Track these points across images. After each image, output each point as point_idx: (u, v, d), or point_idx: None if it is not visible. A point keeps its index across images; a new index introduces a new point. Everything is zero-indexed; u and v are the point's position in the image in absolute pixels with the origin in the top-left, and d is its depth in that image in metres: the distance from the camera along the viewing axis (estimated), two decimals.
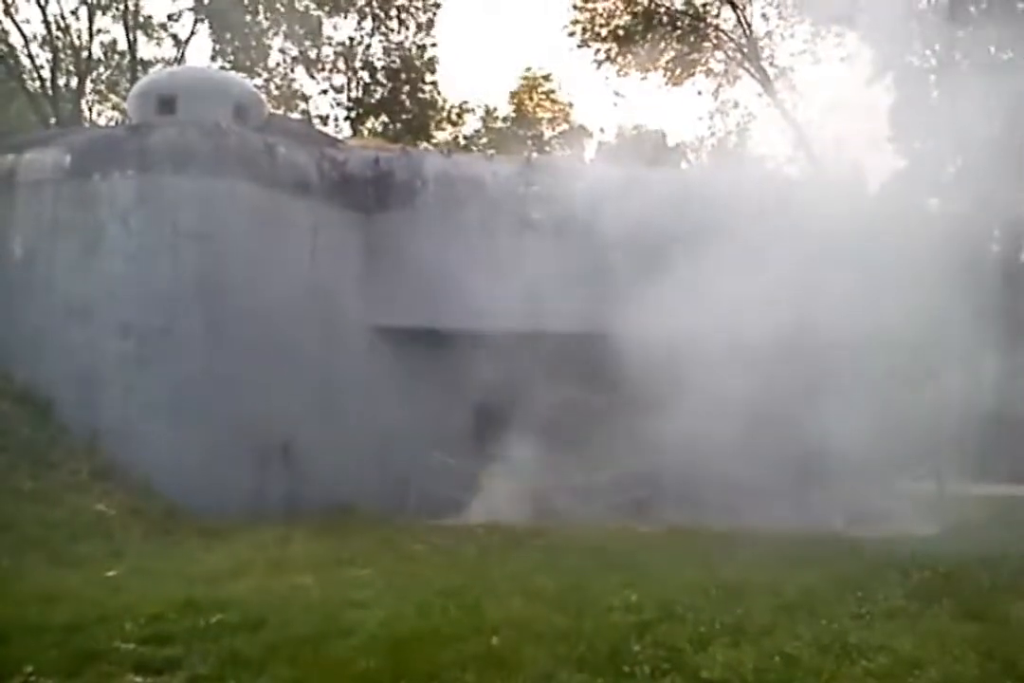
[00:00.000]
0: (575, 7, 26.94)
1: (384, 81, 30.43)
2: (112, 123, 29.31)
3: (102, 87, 31.53)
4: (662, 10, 26.39)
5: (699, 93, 28.18)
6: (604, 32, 26.67)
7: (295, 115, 28.87)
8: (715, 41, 26.69)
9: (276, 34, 30.05)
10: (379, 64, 30.52)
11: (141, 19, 29.15)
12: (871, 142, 19.66)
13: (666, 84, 27.16)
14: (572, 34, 27.00)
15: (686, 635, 5.53)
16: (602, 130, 43.20)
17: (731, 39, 26.46)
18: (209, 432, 10.88)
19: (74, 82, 29.23)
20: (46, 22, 27.37)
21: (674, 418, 10.21)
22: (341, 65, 30.61)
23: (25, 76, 27.90)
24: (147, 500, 9.98)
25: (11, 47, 27.20)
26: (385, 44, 30.47)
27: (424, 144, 29.61)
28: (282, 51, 30.52)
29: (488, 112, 35.00)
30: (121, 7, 28.34)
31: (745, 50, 26.15)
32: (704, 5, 26.59)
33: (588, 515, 10.64)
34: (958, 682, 4.86)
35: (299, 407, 11.49)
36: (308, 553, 8.35)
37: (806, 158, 24.41)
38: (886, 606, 6.35)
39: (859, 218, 12.38)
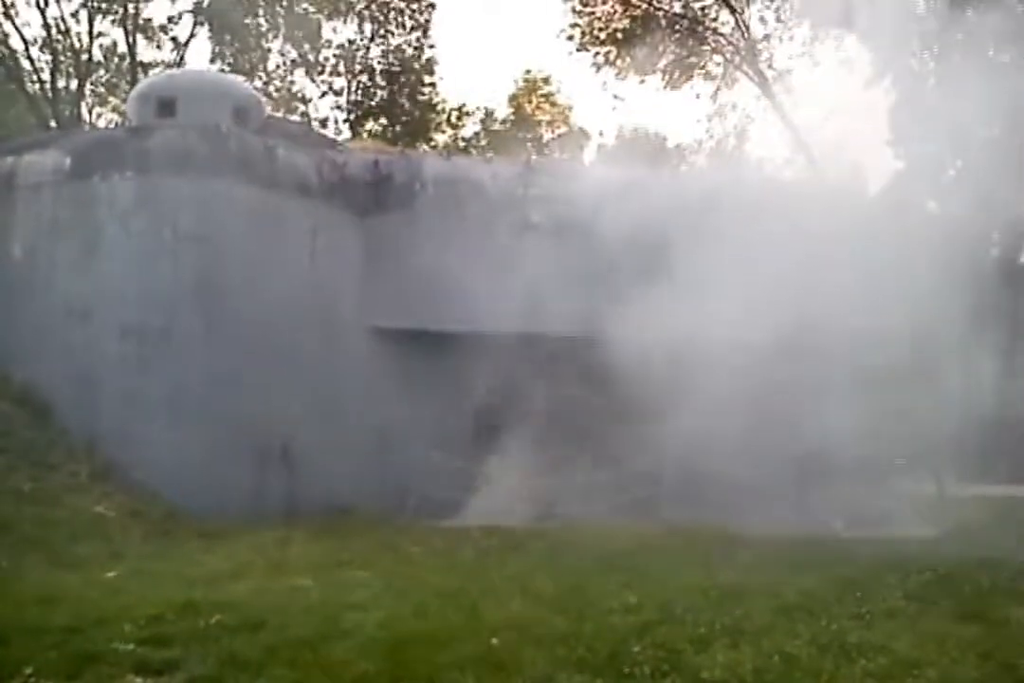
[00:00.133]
0: (574, 11, 26.99)
1: (383, 84, 30.46)
2: (112, 125, 29.31)
3: (102, 90, 31.56)
4: (660, 14, 26.42)
5: (697, 96, 28.27)
6: (603, 36, 26.70)
7: (294, 118, 28.88)
8: (713, 44, 26.70)
9: (276, 37, 30.10)
10: (378, 67, 30.55)
11: (141, 22, 29.19)
12: (870, 144, 19.69)
13: (665, 87, 27.23)
14: (571, 38, 27.06)
15: (686, 636, 5.54)
16: (601, 133, 43.26)
17: (729, 42, 26.47)
18: (208, 433, 10.88)
19: (74, 85, 29.26)
20: (46, 25, 27.43)
21: (674, 419, 10.22)
22: (340, 68, 30.64)
23: (25, 78, 27.92)
24: (147, 502, 9.99)
25: (11, 50, 27.25)
26: (383, 47, 30.52)
27: (423, 146, 29.64)
28: (281, 54, 30.59)
29: (487, 115, 35.03)
30: (121, 10, 28.37)
31: (743, 53, 26.18)
32: (702, 8, 26.62)
33: (587, 516, 10.63)
34: None
35: (298, 408, 11.49)
36: (307, 555, 8.35)
37: (805, 161, 24.44)
38: (885, 607, 6.36)
39: (859, 220, 12.39)
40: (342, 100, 30.80)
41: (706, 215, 11.72)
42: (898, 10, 16.03)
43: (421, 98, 31.02)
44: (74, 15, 27.91)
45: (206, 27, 29.18)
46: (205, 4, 28.57)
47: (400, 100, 30.63)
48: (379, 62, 30.58)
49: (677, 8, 26.64)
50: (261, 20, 29.58)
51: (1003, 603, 6.53)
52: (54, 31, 27.76)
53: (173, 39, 29.70)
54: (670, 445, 10.33)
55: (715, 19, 26.64)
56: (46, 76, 28.10)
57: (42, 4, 26.87)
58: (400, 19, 30.34)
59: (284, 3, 29.30)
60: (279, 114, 25.62)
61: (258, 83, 29.06)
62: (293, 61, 30.64)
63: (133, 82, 26.03)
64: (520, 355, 11.42)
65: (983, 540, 9.36)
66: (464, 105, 33.86)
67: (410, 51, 30.50)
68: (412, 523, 10.56)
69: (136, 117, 13.11)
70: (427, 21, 30.53)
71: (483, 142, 34.08)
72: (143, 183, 11.48)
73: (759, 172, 23.03)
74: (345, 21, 30.42)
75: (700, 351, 10.21)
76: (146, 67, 29.23)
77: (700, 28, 26.48)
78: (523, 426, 11.53)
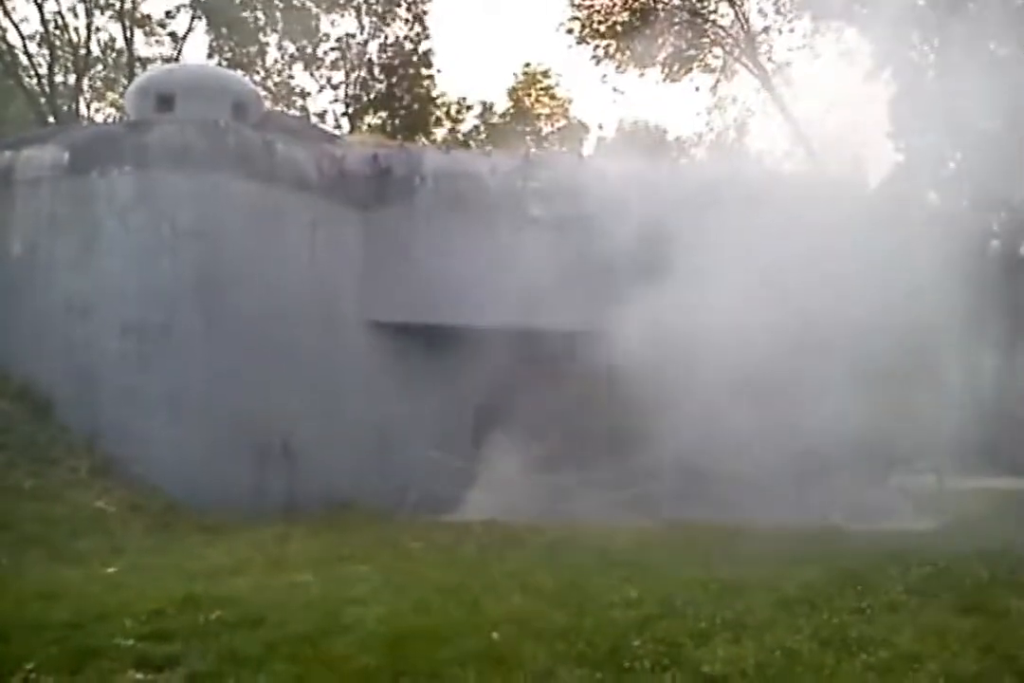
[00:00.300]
0: (573, 4, 26.93)
1: (381, 77, 30.37)
2: (110, 120, 29.26)
3: (100, 85, 31.50)
4: (659, 6, 26.33)
5: (697, 89, 28.24)
6: (602, 29, 26.63)
7: (293, 112, 28.83)
8: (713, 37, 26.65)
9: (273, 31, 30.01)
10: (377, 60, 30.45)
11: (138, 17, 29.12)
12: (870, 137, 19.64)
13: (664, 80, 27.17)
14: (570, 31, 27.00)
15: (686, 630, 5.54)
16: (601, 126, 43.30)
17: (729, 35, 26.41)
18: (208, 429, 10.89)
19: (72, 80, 29.22)
20: (44, 20, 27.36)
21: (674, 414, 10.21)
22: (339, 62, 30.55)
23: (23, 74, 27.86)
24: (147, 497, 9.99)
25: (9, 45, 27.18)
26: (380, 40, 30.43)
27: (423, 140, 29.59)
28: (279, 48, 30.50)
29: (487, 108, 34.96)
30: (118, 5, 28.30)
31: (743, 46, 26.11)
32: (701, 1, 26.54)
33: (588, 511, 10.63)
34: (958, 676, 4.86)
35: (298, 404, 11.49)
36: (307, 550, 8.36)
37: (805, 153, 24.39)
38: (886, 600, 6.35)
39: (859, 213, 12.37)
40: (340, 94, 30.77)
41: (706, 208, 11.69)
42: (898, 2, 15.99)
43: (419, 91, 30.93)
44: (72, 9, 27.89)
45: (203, 22, 29.12)
46: None
47: (399, 94, 30.56)
48: (378, 56, 30.50)
49: (676, 0, 26.56)
50: (259, 14, 29.49)
51: (1003, 595, 6.53)
52: (52, 26, 27.72)
53: (171, 34, 29.67)
54: (670, 441, 10.32)
55: (714, 11, 26.60)
56: (44, 71, 28.08)
57: None
58: (397, 11, 30.23)
59: None
60: (278, 108, 25.58)
61: (256, 78, 29.01)
62: (291, 55, 30.57)
63: (131, 77, 26.00)
64: (520, 350, 11.41)
65: (983, 533, 9.37)
66: (464, 98, 33.82)
67: (408, 44, 30.42)
68: (412, 518, 10.56)
69: (135, 112, 13.08)
70: (424, 12, 30.45)
71: (483, 135, 34.02)
72: (142, 178, 11.45)
73: (759, 165, 22.99)
74: (343, 14, 30.35)
75: (700, 346, 10.20)
76: (144, 62, 29.16)
77: (699, 20, 26.41)
78: (523, 421, 11.52)
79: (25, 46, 27.57)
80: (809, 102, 25.35)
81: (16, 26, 27.56)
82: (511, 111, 34.85)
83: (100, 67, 30.81)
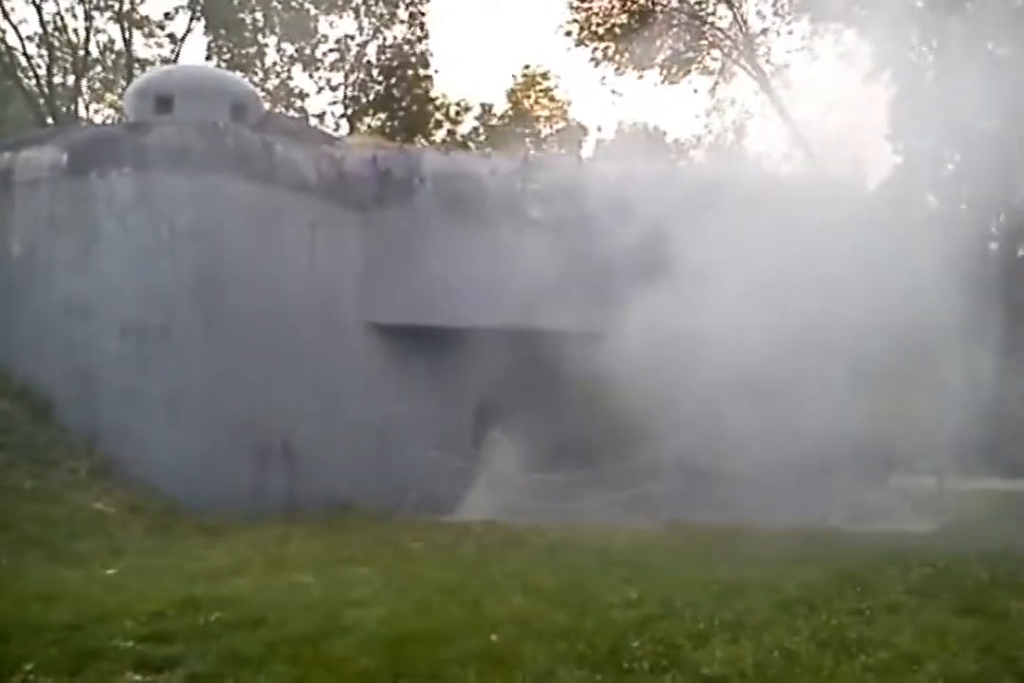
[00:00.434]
0: (571, 7, 26.94)
1: (380, 79, 30.35)
2: (109, 122, 29.24)
3: (99, 86, 31.47)
4: (658, 8, 26.34)
5: (696, 91, 28.20)
6: (601, 31, 26.63)
7: (292, 113, 28.81)
8: (711, 39, 26.66)
9: (272, 32, 29.98)
10: (375, 62, 30.43)
11: (137, 18, 29.09)
12: (869, 139, 19.65)
13: (663, 82, 27.16)
14: (569, 33, 27.00)
15: (686, 631, 5.53)
16: (600, 128, 43.29)
17: (727, 37, 26.43)
18: (208, 430, 10.88)
19: (71, 81, 29.19)
20: (42, 21, 27.34)
21: (674, 415, 10.21)
22: (338, 63, 30.52)
23: (22, 75, 27.84)
24: (146, 498, 9.99)
25: (8, 46, 27.15)
26: (379, 42, 30.41)
27: (422, 142, 29.58)
28: (278, 49, 30.48)
29: (486, 110, 34.95)
30: (117, 6, 28.29)
31: (741, 48, 26.12)
32: (700, 3, 26.55)
33: (588, 511, 10.63)
34: (957, 677, 4.86)
35: (298, 404, 11.49)
36: (307, 551, 8.35)
37: (804, 155, 24.40)
38: (886, 601, 6.35)
39: (858, 214, 12.38)
40: (339, 95, 30.75)
41: (705, 210, 11.70)
42: (897, 3, 16.00)
43: (418, 93, 30.90)
44: (70, 10, 27.86)
45: (202, 23, 29.09)
46: (201, 0, 28.47)
47: (398, 95, 30.53)
48: (377, 57, 30.48)
49: (675, 3, 26.58)
50: (258, 15, 29.46)
51: (1003, 596, 6.53)
52: (51, 27, 27.70)
53: (170, 35, 29.64)
54: (670, 442, 10.32)
55: (713, 13, 26.61)
56: (43, 72, 28.04)
57: (38, 1, 26.80)
58: (396, 13, 30.21)
59: None
60: (277, 110, 25.57)
61: (255, 79, 28.98)
62: (290, 57, 30.53)
63: (130, 78, 25.98)
64: (520, 350, 11.40)
65: (983, 534, 9.38)
66: (463, 100, 33.81)
67: (407, 46, 30.39)
68: (412, 519, 10.56)
69: (134, 113, 13.09)
70: (423, 14, 30.44)
71: (482, 137, 34.01)
72: (141, 180, 11.45)
73: (758, 167, 23.01)
74: (342, 16, 30.32)
75: (699, 347, 10.20)
76: (143, 63, 29.13)
77: (698, 23, 26.42)
78: (523, 421, 11.52)
79: (24, 47, 27.58)
80: (808, 104, 25.38)
81: (15, 27, 27.60)
82: (510, 113, 34.82)
83: (99, 68, 30.77)
